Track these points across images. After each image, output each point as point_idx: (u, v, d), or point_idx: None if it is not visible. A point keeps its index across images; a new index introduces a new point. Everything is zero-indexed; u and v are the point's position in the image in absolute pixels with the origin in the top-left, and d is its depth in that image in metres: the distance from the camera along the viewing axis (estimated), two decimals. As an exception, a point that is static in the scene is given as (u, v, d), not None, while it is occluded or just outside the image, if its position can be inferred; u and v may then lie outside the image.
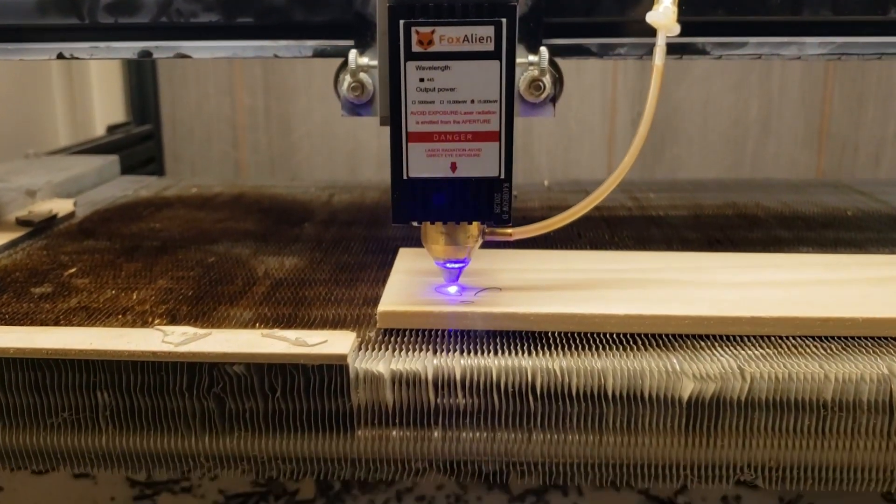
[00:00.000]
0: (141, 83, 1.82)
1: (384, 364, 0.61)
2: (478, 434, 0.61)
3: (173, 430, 0.62)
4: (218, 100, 1.82)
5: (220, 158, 1.84)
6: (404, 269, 0.77)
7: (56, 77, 1.67)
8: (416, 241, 0.71)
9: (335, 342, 0.62)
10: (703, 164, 1.65)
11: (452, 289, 0.70)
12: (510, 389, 0.60)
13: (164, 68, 1.83)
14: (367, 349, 0.63)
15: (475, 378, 0.60)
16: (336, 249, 0.91)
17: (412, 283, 0.73)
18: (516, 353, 0.62)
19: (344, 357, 0.60)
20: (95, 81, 1.75)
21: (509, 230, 0.69)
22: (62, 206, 1.06)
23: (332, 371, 0.61)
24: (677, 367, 0.59)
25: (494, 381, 0.60)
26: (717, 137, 1.70)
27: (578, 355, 0.61)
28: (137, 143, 1.70)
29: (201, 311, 0.72)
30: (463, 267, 0.69)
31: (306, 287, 0.78)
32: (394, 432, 0.62)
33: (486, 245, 0.70)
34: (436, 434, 0.61)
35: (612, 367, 0.60)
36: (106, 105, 1.77)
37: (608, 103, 1.67)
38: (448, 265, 0.69)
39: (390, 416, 0.61)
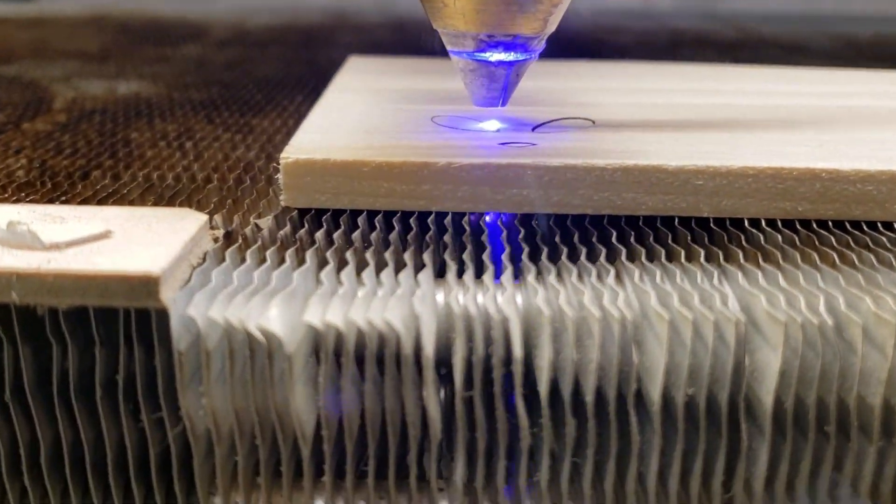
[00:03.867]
0: None
1: (289, 303, 0.20)
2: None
3: None
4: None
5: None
6: (355, 87, 0.35)
7: None
8: None
9: (137, 237, 0.20)
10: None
11: (489, 124, 0.29)
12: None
13: None
14: (239, 262, 0.22)
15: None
16: (228, 73, 0.48)
17: (371, 108, 0.31)
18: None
19: (151, 286, 0.18)
20: None
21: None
22: None
23: (118, 330, 0.20)
24: None
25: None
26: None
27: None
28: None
29: None
30: (526, 63, 0.27)
31: (139, 126, 0.36)
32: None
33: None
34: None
35: None
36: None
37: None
38: (485, 54, 0.27)
39: (317, 459, 0.20)
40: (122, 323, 0.19)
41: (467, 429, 0.20)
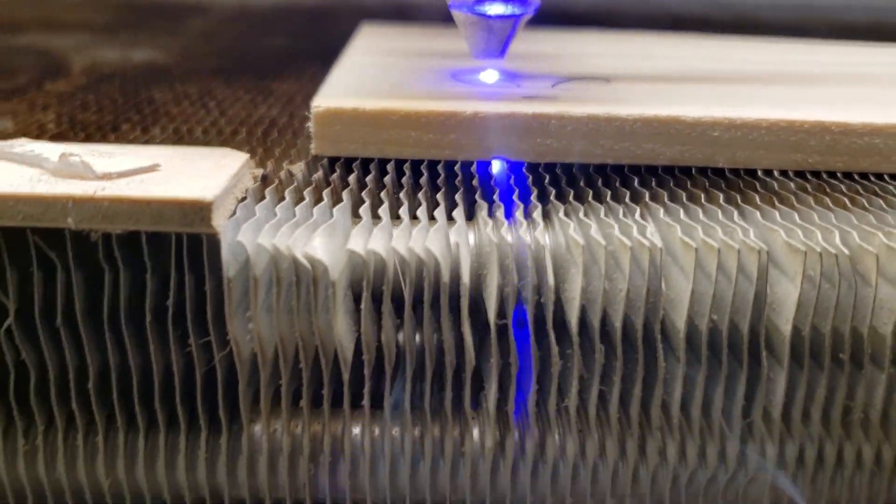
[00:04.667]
0: None
1: (331, 234, 0.21)
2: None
3: None
4: None
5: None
6: (373, 48, 0.36)
7: None
8: None
9: (184, 171, 0.21)
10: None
11: (489, 74, 0.30)
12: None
13: None
14: (277, 200, 0.23)
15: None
16: (239, 45, 0.49)
17: (392, 65, 0.32)
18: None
19: (204, 212, 0.19)
20: None
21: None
22: None
23: (169, 256, 0.20)
24: None
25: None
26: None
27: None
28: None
29: None
30: (523, 17, 0.28)
31: (160, 88, 0.36)
32: (375, 431, 0.22)
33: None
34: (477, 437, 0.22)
35: None
36: None
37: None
38: (484, 7, 0.28)
39: (354, 386, 0.21)
40: (174, 249, 0.20)
41: (500, 356, 0.21)
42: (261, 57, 0.46)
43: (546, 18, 0.32)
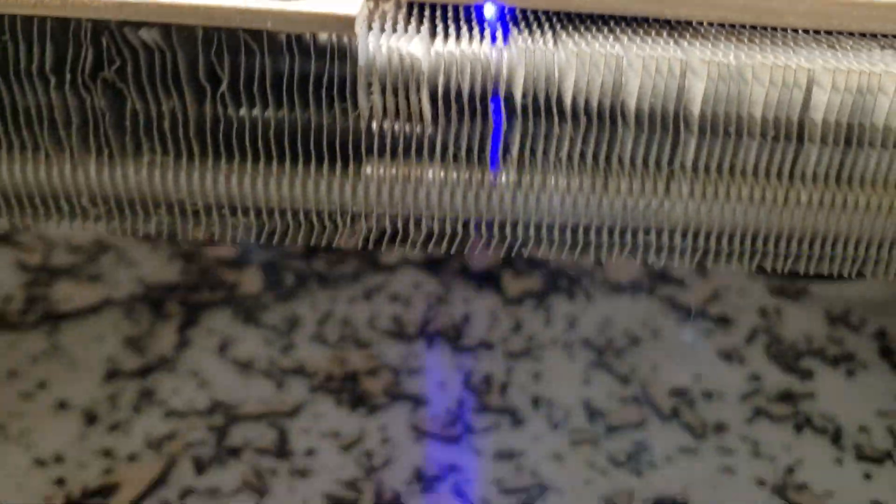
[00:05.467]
0: None
1: (421, 43, 0.34)
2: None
3: (24, 145, 0.34)
4: None
5: None
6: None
7: None
8: None
9: (327, 2, 0.34)
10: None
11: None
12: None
13: None
14: (382, 23, 0.35)
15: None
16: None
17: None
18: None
19: (350, 22, 0.32)
20: None
21: None
22: None
23: (326, 50, 0.33)
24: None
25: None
26: None
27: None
28: None
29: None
30: None
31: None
32: (442, 172, 0.36)
33: None
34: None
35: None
36: None
37: None
38: None
39: (431, 141, 0.35)
40: (329, 45, 0.33)
41: (521, 125, 0.35)
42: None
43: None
